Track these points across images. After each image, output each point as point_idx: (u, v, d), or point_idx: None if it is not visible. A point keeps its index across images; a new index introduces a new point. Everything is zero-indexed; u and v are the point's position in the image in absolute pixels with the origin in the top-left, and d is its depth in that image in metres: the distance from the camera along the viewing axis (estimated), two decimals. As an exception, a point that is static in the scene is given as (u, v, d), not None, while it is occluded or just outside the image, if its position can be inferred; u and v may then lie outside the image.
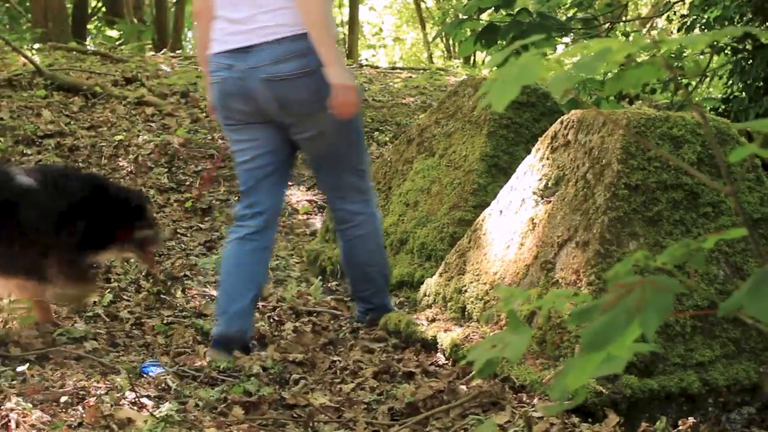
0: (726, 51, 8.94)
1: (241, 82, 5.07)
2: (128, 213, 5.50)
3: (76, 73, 12.37)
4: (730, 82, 8.88)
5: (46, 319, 5.52)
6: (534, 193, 4.78)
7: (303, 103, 5.05)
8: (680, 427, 3.78)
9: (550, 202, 4.65)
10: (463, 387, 4.33)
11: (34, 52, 14.32)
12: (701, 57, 10.33)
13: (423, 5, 30.13)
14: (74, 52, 14.82)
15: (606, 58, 1.66)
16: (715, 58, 9.70)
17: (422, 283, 5.54)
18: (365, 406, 4.33)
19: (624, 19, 11.64)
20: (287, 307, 6.20)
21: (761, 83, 8.35)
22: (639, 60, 1.66)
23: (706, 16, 8.86)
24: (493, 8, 8.55)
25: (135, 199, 5.69)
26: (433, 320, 5.12)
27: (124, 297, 6.21)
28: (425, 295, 5.37)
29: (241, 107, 5.16)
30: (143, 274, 6.60)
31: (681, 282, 1.65)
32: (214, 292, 6.37)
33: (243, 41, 5.05)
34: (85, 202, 5.33)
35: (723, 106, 8.81)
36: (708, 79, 10.47)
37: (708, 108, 9.11)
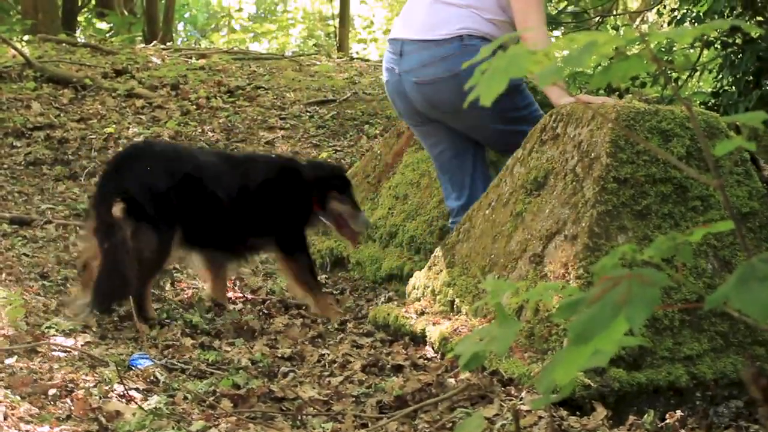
0: (716, 45, 8.94)
1: (399, 85, 5.47)
2: (323, 184, 6.04)
3: (66, 65, 12.35)
4: (720, 76, 8.88)
5: (220, 297, 6.06)
6: (523, 186, 4.78)
7: (450, 104, 5.29)
8: (668, 421, 3.79)
9: (538, 195, 4.65)
10: (452, 380, 4.33)
11: (23, 43, 14.29)
12: (691, 51, 10.34)
13: (414, -2, 30.07)
14: (64, 44, 14.80)
15: (593, 51, 1.66)
16: (705, 52, 9.70)
17: (411, 276, 5.54)
18: (354, 399, 4.33)
19: (614, 12, 11.63)
20: (276, 301, 6.20)
21: (750, 77, 8.36)
22: (628, 53, 1.66)
23: (695, 10, 8.85)
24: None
25: (329, 171, 6.29)
26: (422, 313, 5.12)
27: (113, 289, 6.20)
28: (414, 288, 5.37)
29: (404, 107, 5.57)
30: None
31: (668, 275, 1.65)
32: (203, 285, 6.36)
33: (400, 32, 5.47)
34: (274, 182, 5.97)
35: (713, 100, 8.81)
36: (698, 73, 10.47)
37: (698, 102, 9.11)
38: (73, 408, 3.98)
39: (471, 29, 5.23)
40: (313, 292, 5.90)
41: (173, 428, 3.76)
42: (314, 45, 29.61)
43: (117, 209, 5.46)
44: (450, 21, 5.25)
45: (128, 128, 9.98)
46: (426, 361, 4.73)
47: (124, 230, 5.46)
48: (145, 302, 5.59)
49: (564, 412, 3.83)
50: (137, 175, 5.63)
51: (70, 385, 4.29)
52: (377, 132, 10.61)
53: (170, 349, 5.08)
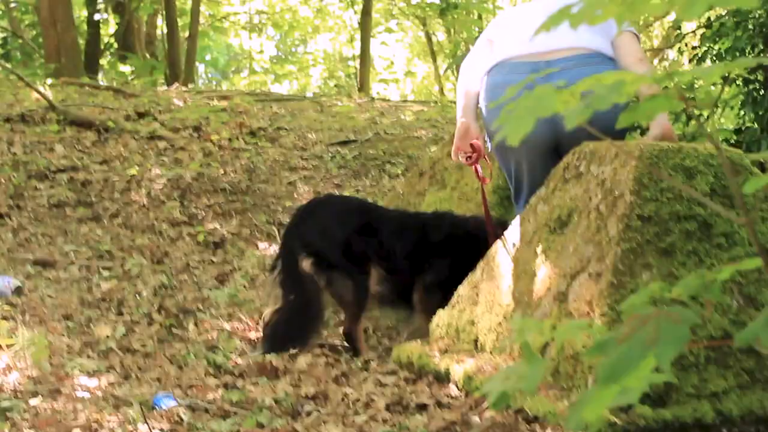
0: (737, 82, 8.93)
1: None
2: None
3: (89, 108, 12.43)
4: (742, 112, 8.87)
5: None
6: (546, 224, 4.77)
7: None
8: (695, 459, 3.76)
9: (562, 233, 4.65)
10: (476, 418, 4.31)
11: (47, 87, 14.39)
12: (713, 88, 10.33)
13: (434, 39, 30.21)
14: (87, 87, 14.91)
15: (620, 91, 1.66)
16: (727, 89, 9.69)
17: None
18: (378, 438, 4.32)
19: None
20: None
21: (773, 114, 8.34)
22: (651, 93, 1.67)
23: (717, 47, 8.85)
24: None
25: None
26: (446, 351, 5.11)
27: (136, 330, 6.22)
28: (437, 326, 5.36)
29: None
30: (155, 307, 6.61)
31: (696, 313, 1.64)
32: (226, 325, 6.37)
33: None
34: (450, 242, 6.03)
35: (735, 137, 8.80)
36: (720, 110, 10.47)
37: (721, 139, 9.09)
38: (98, 449, 3.98)
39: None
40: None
41: (198, 469, 3.76)
42: (335, 86, 29.75)
43: (306, 264, 5.82)
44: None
45: (151, 170, 10.02)
46: (450, 399, 4.71)
47: (316, 284, 5.82)
48: (356, 343, 5.95)
49: (590, 451, 3.81)
50: (318, 228, 5.94)
51: (94, 425, 4.30)
52: (399, 172, 10.64)
53: (194, 389, 5.09)
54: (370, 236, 6.00)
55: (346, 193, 9.82)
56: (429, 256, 5.97)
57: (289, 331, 5.89)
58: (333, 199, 6.75)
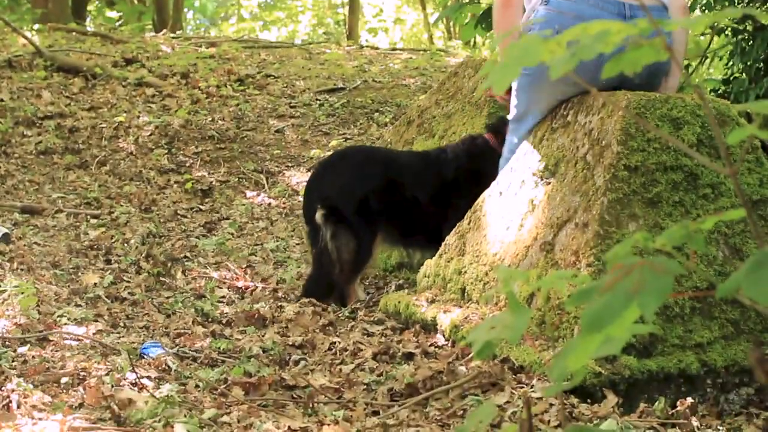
0: (726, 32, 8.91)
1: None
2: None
3: (76, 54, 12.36)
4: (731, 63, 8.86)
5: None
6: (533, 174, 4.77)
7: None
8: (678, 408, 3.79)
9: (549, 183, 4.65)
10: (463, 368, 4.33)
11: (33, 32, 14.31)
12: (702, 38, 10.31)
13: (423, -14, 30.04)
14: (74, 33, 14.81)
15: (605, 40, 1.66)
16: (716, 39, 9.67)
17: (422, 265, 5.54)
18: (365, 386, 4.34)
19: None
20: (288, 289, 6.21)
21: (761, 64, 8.34)
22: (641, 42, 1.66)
23: (706, -3, 8.83)
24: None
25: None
26: (433, 301, 5.12)
27: (125, 278, 6.23)
28: (425, 276, 5.38)
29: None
30: (143, 255, 6.61)
31: (680, 263, 1.65)
32: (214, 274, 6.38)
33: None
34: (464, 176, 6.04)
35: (723, 88, 8.79)
36: (708, 60, 10.45)
37: (709, 89, 9.09)
38: (85, 396, 3.99)
39: None
40: None
41: (185, 416, 3.77)
42: (324, 33, 29.61)
43: (318, 215, 5.89)
44: None
45: (138, 117, 9.99)
46: (437, 349, 4.73)
47: (325, 235, 5.89)
48: (345, 299, 6.03)
49: (575, 400, 3.83)
50: (337, 181, 5.99)
51: (82, 373, 4.30)
52: (387, 120, 10.61)
53: (181, 338, 5.10)
54: (391, 193, 6.03)
55: (334, 143, 9.80)
56: (449, 197, 6.02)
57: (316, 288, 5.99)
58: (356, 152, 6.70)
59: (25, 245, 6.59)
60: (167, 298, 5.88)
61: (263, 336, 5.12)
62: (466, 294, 4.96)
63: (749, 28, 8.48)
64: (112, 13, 23.49)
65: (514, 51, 1.70)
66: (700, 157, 1.73)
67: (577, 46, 1.69)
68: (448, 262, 5.19)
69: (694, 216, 4.25)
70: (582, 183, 4.40)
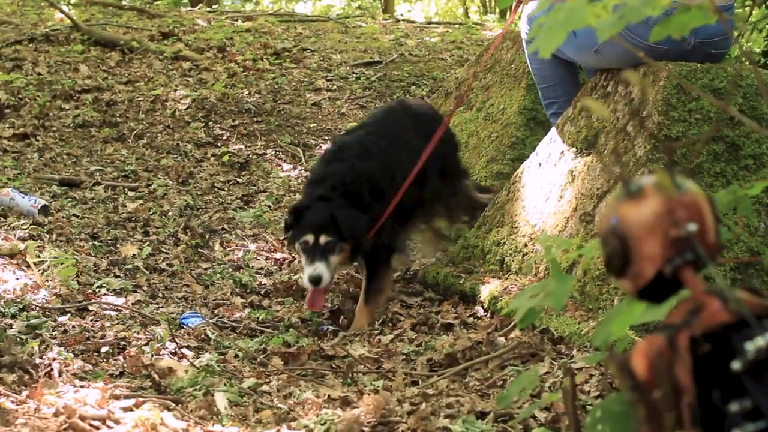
0: (766, 3, 8.81)
1: None
2: None
3: (113, 28, 12.38)
4: (771, 35, 8.76)
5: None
6: (573, 145, 4.75)
7: None
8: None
9: (589, 154, 4.62)
10: (502, 339, 4.33)
11: (71, 7, 14.34)
12: (741, 10, 10.20)
13: (459, -41, 29.91)
14: (111, 7, 14.82)
15: (653, 3, 1.64)
16: (756, 10, 9.56)
17: (460, 237, 5.53)
18: (404, 357, 4.35)
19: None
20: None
21: (802, 36, 8.25)
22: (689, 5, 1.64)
23: (746, -32, 8.73)
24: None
25: None
26: (471, 272, 5.12)
27: (163, 250, 6.25)
28: (463, 248, 5.37)
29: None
30: (181, 227, 6.63)
31: (728, 229, 1.63)
32: (252, 246, 6.39)
33: None
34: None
35: (763, 60, 8.70)
36: (747, 33, 10.34)
37: (748, 62, 8.99)
38: (125, 365, 4.02)
39: None
40: None
41: (225, 385, 3.79)
42: (358, 7, 29.52)
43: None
44: None
45: (175, 90, 9.99)
46: (476, 320, 4.73)
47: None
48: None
49: (615, 371, 3.81)
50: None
51: (122, 343, 4.33)
52: (424, 93, 10.57)
53: (220, 308, 5.12)
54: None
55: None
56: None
57: None
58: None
59: (63, 217, 6.62)
60: (205, 269, 5.89)
61: (301, 307, 5.13)
62: (504, 265, 4.95)
63: (790, -2, 8.38)
64: (148, -12, 23.50)
65: (559, 14, 1.69)
66: (750, 122, 1.71)
67: (624, 8, 1.67)
68: (487, 233, 5.18)
69: (735, 187, 4.22)
70: (622, 153, 4.38)
